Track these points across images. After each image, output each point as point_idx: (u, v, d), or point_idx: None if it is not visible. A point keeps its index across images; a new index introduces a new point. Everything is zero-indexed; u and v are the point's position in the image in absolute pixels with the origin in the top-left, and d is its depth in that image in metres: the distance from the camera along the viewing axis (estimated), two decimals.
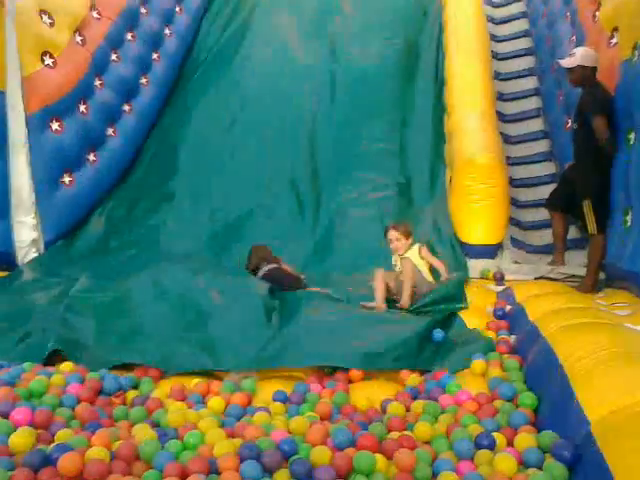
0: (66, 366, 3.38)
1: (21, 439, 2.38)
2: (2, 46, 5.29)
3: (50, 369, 3.29)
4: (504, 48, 7.90)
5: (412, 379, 3.28)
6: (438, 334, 3.72)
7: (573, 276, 4.86)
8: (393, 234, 4.56)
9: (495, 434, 2.51)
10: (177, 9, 8.31)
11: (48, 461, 2.22)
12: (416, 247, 4.58)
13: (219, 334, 3.66)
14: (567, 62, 4.55)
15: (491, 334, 3.70)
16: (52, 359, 3.51)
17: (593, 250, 4.47)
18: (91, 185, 6.07)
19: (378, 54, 7.83)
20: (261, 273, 4.69)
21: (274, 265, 4.76)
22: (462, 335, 3.77)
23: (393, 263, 4.70)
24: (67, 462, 2.15)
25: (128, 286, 4.11)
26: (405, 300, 4.30)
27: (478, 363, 3.25)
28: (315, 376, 3.35)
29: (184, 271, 4.37)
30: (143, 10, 7.59)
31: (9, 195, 5.32)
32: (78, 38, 6.19)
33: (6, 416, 2.60)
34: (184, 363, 3.45)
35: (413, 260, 4.50)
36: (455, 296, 4.31)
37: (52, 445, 2.35)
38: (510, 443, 2.49)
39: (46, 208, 5.49)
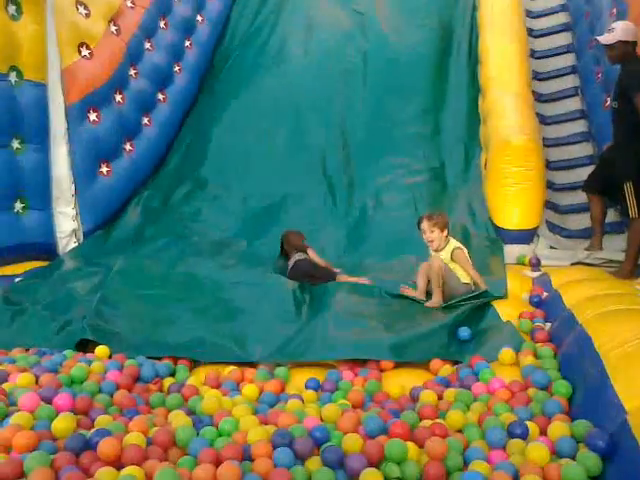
0: (102, 350, 3.46)
1: (63, 424, 2.46)
2: (44, 39, 5.37)
3: (90, 356, 3.39)
4: (540, 24, 7.69)
5: (444, 370, 3.25)
6: (464, 333, 3.57)
7: (611, 261, 4.76)
8: (426, 225, 4.22)
9: (528, 423, 2.48)
10: None
11: (88, 445, 2.29)
12: (451, 247, 4.22)
13: (249, 327, 3.70)
14: (606, 38, 4.40)
15: (526, 322, 3.61)
16: (87, 344, 3.61)
17: (633, 234, 4.36)
18: (128, 175, 6.17)
19: (411, 34, 7.73)
20: (292, 262, 4.71)
21: (303, 255, 4.76)
22: (494, 328, 3.63)
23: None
24: (106, 447, 2.21)
25: (161, 280, 4.18)
26: (435, 299, 4.05)
27: (507, 352, 3.19)
28: (348, 364, 3.37)
29: (215, 266, 4.40)
30: None
31: (50, 186, 5.45)
32: (113, 28, 6.25)
33: (49, 402, 2.69)
34: (214, 355, 3.48)
35: (445, 259, 4.17)
36: (494, 289, 4.11)
37: (92, 430, 2.42)
38: (543, 432, 2.46)
39: (85, 199, 5.61)
